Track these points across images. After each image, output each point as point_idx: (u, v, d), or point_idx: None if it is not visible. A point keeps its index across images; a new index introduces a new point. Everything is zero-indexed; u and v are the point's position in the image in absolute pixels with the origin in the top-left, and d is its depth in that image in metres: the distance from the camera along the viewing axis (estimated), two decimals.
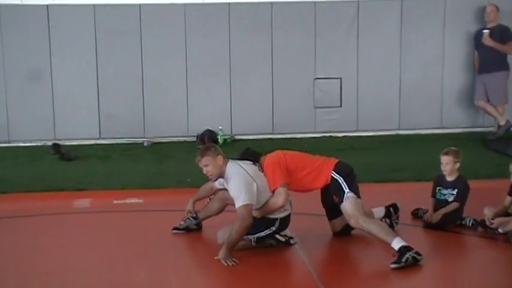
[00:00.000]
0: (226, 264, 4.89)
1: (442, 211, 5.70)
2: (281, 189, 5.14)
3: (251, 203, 5.00)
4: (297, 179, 5.24)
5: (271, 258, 5.10)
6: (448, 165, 5.80)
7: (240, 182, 5.01)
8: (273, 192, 5.16)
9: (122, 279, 4.71)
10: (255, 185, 5.06)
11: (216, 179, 5.28)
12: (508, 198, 5.65)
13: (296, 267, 5.11)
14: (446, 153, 5.83)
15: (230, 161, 5.22)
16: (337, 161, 5.40)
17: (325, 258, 5.39)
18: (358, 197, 5.24)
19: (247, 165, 5.20)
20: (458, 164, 5.81)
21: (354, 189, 5.24)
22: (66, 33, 9.32)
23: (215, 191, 5.60)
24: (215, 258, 4.95)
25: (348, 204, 5.18)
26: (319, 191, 5.46)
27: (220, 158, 5.15)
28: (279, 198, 5.13)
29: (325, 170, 5.30)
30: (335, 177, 5.26)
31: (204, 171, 5.21)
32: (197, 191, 5.76)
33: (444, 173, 5.84)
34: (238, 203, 4.97)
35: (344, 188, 5.21)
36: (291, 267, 5.18)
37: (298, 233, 5.47)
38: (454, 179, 5.81)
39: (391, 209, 5.69)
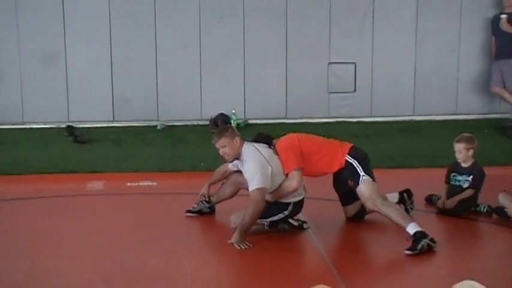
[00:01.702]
0: (239, 247, 4.89)
1: (457, 198, 5.67)
2: (295, 172, 5.12)
3: (265, 186, 4.99)
4: (311, 162, 5.21)
5: (284, 243, 5.10)
6: (461, 153, 5.76)
7: (255, 165, 5.00)
8: (287, 175, 5.14)
9: (135, 262, 4.72)
10: (269, 168, 5.05)
11: (233, 160, 5.26)
12: None
13: (309, 252, 5.11)
14: (459, 141, 5.78)
15: (246, 143, 5.20)
16: (351, 145, 5.37)
17: (338, 243, 5.38)
18: (374, 180, 5.22)
19: (262, 147, 5.19)
20: (472, 151, 5.75)
21: (369, 172, 5.21)
22: (80, 16, 9.30)
23: (229, 174, 5.60)
24: (228, 242, 4.95)
25: (364, 187, 5.15)
26: (331, 176, 5.45)
27: (237, 140, 5.14)
28: (293, 182, 5.12)
29: (340, 153, 5.28)
30: (349, 160, 5.23)
31: (221, 153, 5.19)
32: (211, 175, 5.76)
33: (459, 160, 5.79)
34: (252, 186, 4.96)
35: (359, 172, 5.18)
36: (303, 252, 5.17)
37: (311, 218, 5.46)
38: (469, 165, 5.77)
39: (405, 194, 5.67)
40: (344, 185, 5.34)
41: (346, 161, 5.24)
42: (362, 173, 5.17)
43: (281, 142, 5.30)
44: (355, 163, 5.22)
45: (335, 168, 5.30)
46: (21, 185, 6.86)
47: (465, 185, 5.72)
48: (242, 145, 5.16)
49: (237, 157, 5.18)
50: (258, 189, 4.95)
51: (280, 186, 5.13)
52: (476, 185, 5.70)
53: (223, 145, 5.13)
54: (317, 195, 5.74)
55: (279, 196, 5.16)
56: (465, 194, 5.68)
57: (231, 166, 5.46)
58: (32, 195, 6.36)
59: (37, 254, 4.89)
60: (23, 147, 8.39)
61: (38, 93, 9.37)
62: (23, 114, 9.40)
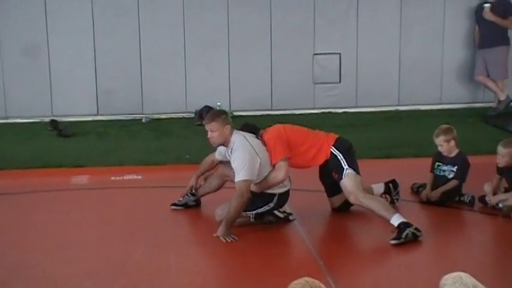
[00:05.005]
0: (225, 241, 4.87)
1: (441, 189, 5.65)
2: (282, 163, 5.11)
3: (251, 179, 4.97)
4: (297, 154, 5.20)
5: (270, 235, 5.09)
6: (443, 147, 5.73)
7: (244, 156, 4.97)
8: (274, 166, 5.13)
9: (120, 256, 4.69)
10: (258, 160, 5.02)
11: (218, 146, 5.22)
12: (497, 176, 5.61)
13: (295, 244, 5.10)
14: (437, 135, 5.73)
15: (236, 132, 5.16)
16: (337, 136, 5.36)
17: (324, 234, 5.38)
18: (358, 173, 5.21)
19: (251, 138, 5.15)
20: (452, 141, 5.71)
21: (353, 165, 5.20)
22: (62, 7, 9.23)
23: (216, 164, 5.55)
24: (214, 235, 4.93)
25: (347, 181, 5.14)
26: (317, 167, 5.44)
27: (227, 128, 5.10)
28: (279, 173, 5.10)
29: (325, 145, 5.26)
30: (334, 153, 5.22)
31: (209, 135, 5.16)
32: (198, 167, 5.71)
33: (443, 153, 5.78)
34: (239, 177, 4.94)
35: (343, 165, 5.17)
36: (290, 244, 5.16)
37: (297, 210, 5.45)
38: (454, 155, 5.75)
39: (391, 185, 5.67)
40: (329, 176, 5.33)
41: (331, 152, 5.23)
42: (346, 167, 5.16)
43: (268, 132, 5.27)
44: (339, 156, 5.20)
45: (321, 161, 5.29)
46: (4, 180, 6.79)
47: (450, 176, 5.70)
48: (232, 134, 5.12)
49: (224, 144, 5.15)
50: (244, 180, 4.93)
51: (266, 176, 5.11)
52: (460, 175, 5.67)
53: (212, 129, 5.10)
54: (302, 186, 5.73)
55: (265, 187, 5.14)
56: (449, 186, 5.66)
57: (217, 155, 5.43)
58: (16, 190, 6.30)
59: (21, 248, 4.85)
60: (7, 142, 8.31)
61: (21, 87, 9.30)
62: (5, 109, 9.33)
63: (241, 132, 5.19)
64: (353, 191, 5.12)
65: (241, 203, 4.92)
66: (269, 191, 5.18)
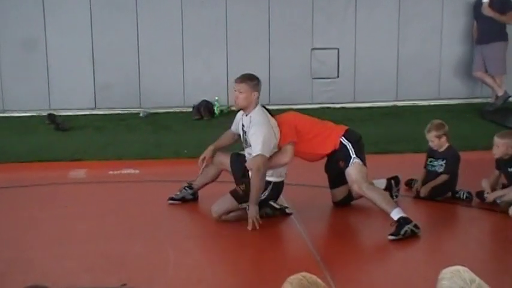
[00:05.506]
0: (252, 227, 4.92)
1: (431, 184, 5.63)
2: (288, 146, 5.16)
3: (266, 154, 5.02)
4: (304, 141, 5.24)
5: (268, 230, 5.08)
6: (433, 142, 5.73)
7: (263, 133, 5.03)
8: (280, 149, 5.17)
9: (117, 250, 4.69)
10: (274, 141, 5.09)
11: (239, 109, 5.28)
12: (496, 172, 5.60)
13: (293, 239, 5.10)
14: (429, 131, 5.74)
15: (260, 105, 5.20)
16: (346, 128, 5.40)
17: (322, 230, 5.38)
18: (364, 164, 5.22)
19: (271, 118, 5.22)
20: (444, 137, 5.70)
21: (360, 156, 5.23)
22: (60, 2, 9.20)
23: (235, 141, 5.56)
24: (249, 218, 4.97)
25: (353, 169, 5.16)
26: (319, 161, 5.44)
27: (255, 94, 5.16)
28: (284, 156, 5.15)
29: (334, 134, 5.30)
30: (344, 142, 5.25)
31: (235, 95, 5.20)
32: (218, 139, 5.60)
33: (434, 148, 5.78)
34: (257, 151, 4.99)
35: (351, 154, 5.19)
36: (288, 239, 5.17)
37: (296, 204, 5.45)
38: (444, 149, 5.73)
39: (393, 181, 5.66)
40: (335, 166, 5.34)
41: (341, 142, 5.25)
42: (353, 156, 5.19)
43: (280, 118, 5.33)
44: (348, 145, 5.23)
45: (329, 149, 5.30)
46: (2, 174, 6.78)
47: (440, 170, 5.68)
48: (256, 103, 5.16)
49: (245, 109, 5.19)
50: (261, 155, 4.98)
51: (272, 157, 5.14)
52: (449, 169, 5.65)
53: (241, 91, 5.14)
54: (302, 181, 5.73)
55: (268, 166, 5.15)
56: (438, 180, 5.63)
57: (233, 126, 5.46)
58: (13, 184, 6.28)
59: (19, 243, 4.85)
60: (4, 136, 8.28)
61: (19, 81, 9.27)
62: (3, 103, 9.30)
63: (264, 109, 5.24)
64: (357, 180, 5.14)
65: (260, 178, 4.98)
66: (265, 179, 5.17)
